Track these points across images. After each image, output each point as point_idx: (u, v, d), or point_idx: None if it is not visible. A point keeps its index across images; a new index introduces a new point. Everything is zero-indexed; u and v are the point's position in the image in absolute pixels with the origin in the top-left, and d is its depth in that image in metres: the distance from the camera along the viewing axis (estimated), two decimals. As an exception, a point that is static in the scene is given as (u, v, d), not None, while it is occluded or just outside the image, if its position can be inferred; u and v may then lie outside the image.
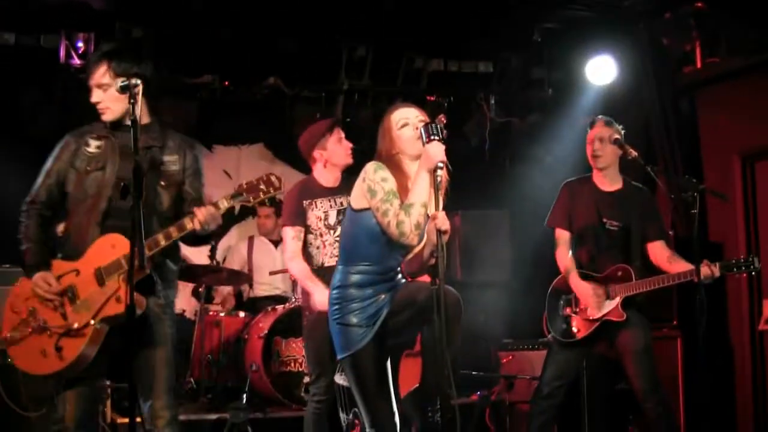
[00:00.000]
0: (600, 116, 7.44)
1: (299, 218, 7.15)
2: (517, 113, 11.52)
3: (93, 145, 5.49)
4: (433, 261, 5.06)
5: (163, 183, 5.47)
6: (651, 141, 10.09)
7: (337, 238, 6.93)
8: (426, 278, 5.28)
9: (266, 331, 9.12)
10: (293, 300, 9.63)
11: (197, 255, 10.94)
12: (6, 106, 9.64)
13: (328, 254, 7.07)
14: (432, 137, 5.12)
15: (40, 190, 5.51)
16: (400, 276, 5.47)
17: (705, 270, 6.68)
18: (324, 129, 7.29)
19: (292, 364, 9.22)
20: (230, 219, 11.88)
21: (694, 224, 6.71)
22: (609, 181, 7.36)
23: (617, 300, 7.05)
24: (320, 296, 6.69)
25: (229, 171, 11.53)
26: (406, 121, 5.41)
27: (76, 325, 5.22)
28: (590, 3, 9.59)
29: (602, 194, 7.33)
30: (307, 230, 7.13)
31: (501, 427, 9.18)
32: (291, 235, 7.16)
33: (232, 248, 11.39)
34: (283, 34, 9.90)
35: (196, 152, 5.71)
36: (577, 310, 7.25)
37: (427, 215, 5.13)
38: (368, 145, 6.22)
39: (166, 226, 5.33)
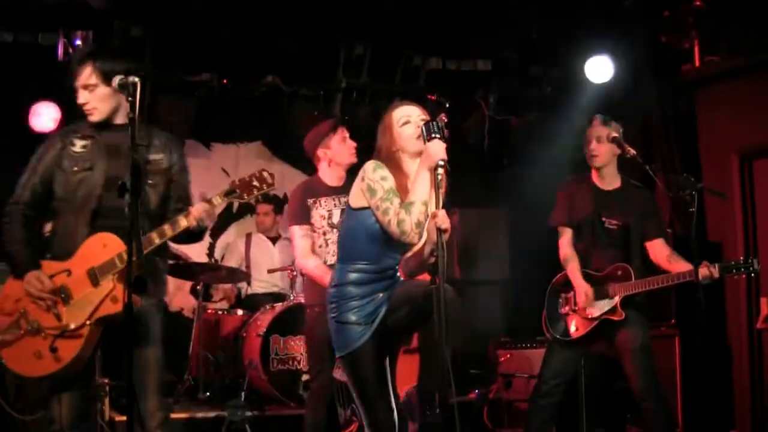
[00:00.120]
0: (597, 115, 7.43)
1: (305, 217, 7.18)
2: (515, 112, 11.51)
3: (78, 145, 5.48)
4: (432, 259, 5.06)
5: (150, 181, 5.46)
6: (649, 139, 10.10)
7: (340, 237, 6.95)
8: (425, 277, 5.28)
9: (264, 329, 9.14)
10: (291, 297, 9.64)
11: (196, 253, 10.95)
12: (4, 105, 9.63)
13: (331, 252, 7.08)
14: (433, 135, 5.13)
15: (24, 191, 5.49)
16: (398, 274, 5.47)
17: (704, 271, 6.67)
18: (328, 128, 7.35)
19: (291, 362, 9.23)
20: (228, 216, 11.90)
21: (693, 223, 6.70)
22: (608, 180, 7.35)
23: (616, 299, 7.05)
24: None
25: (227, 169, 11.53)
26: (407, 119, 5.40)
27: (72, 326, 5.21)
28: (589, 1, 9.59)
29: (601, 193, 7.33)
30: (311, 228, 7.14)
31: (499, 426, 9.18)
32: (300, 233, 7.19)
33: (231, 246, 11.39)
34: (281, 32, 9.89)
35: (181, 149, 5.71)
36: (576, 308, 7.24)
37: (428, 213, 5.13)
38: (366, 144, 6.23)
39: (155, 225, 5.33)
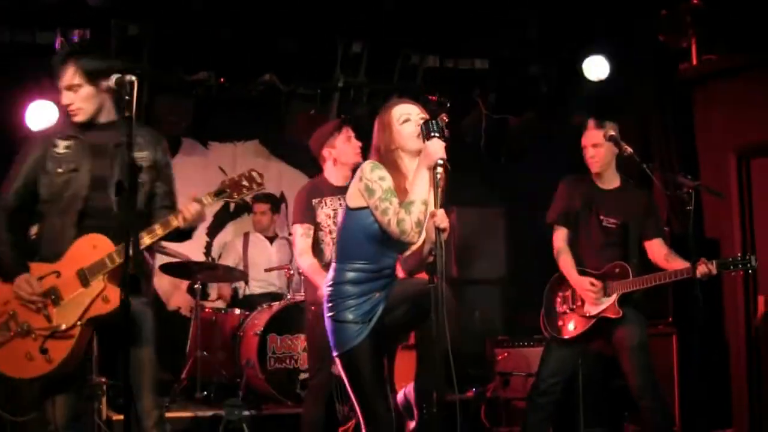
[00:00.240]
0: (591, 119, 7.41)
1: (308, 216, 7.21)
2: (513, 110, 11.50)
3: (62, 146, 5.44)
4: (431, 258, 5.06)
5: (137, 180, 5.40)
6: (647, 138, 10.10)
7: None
8: (424, 275, 5.28)
9: (262, 328, 9.15)
10: (288, 297, 9.65)
11: (193, 252, 10.95)
12: (1, 104, 9.61)
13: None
14: (432, 134, 5.13)
15: (8, 194, 5.46)
16: (395, 273, 5.47)
17: (702, 268, 6.68)
18: (333, 128, 7.41)
19: (288, 361, 9.24)
20: (226, 215, 11.90)
21: (690, 221, 6.70)
22: (607, 180, 7.36)
23: (614, 297, 7.05)
24: None
25: (224, 168, 11.51)
26: (407, 117, 5.39)
27: (63, 327, 5.21)
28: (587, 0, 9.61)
29: (600, 192, 7.34)
30: (317, 228, 7.18)
31: (496, 424, 9.18)
32: (300, 232, 7.22)
33: (228, 245, 11.39)
34: (279, 31, 9.89)
35: (165, 145, 5.68)
36: (574, 307, 7.25)
37: (427, 213, 5.13)
38: (364, 142, 6.23)
39: (142, 222, 5.32)
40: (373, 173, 5.24)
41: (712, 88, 9.72)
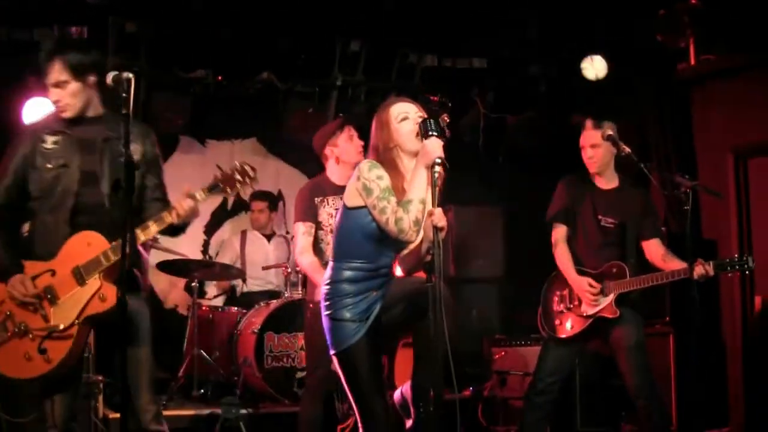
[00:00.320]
0: (588, 119, 7.41)
1: (310, 214, 7.21)
2: (511, 109, 11.50)
3: (50, 141, 5.42)
4: (429, 257, 5.05)
5: None
6: (645, 138, 10.10)
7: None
8: (422, 274, 5.28)
9: (259, 326, 9.14)
10: (286, 295, 9.65)
11: (190, 249, 10.94)
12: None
13: None
14: (430, 133, 5.12)
15: None
16: (392, 272, 5.46)
17: (699, 269, 6.68)
18: (335, 126, 7.43)
19: (285, 359, 9.23)
20: (223, 213, 11.89)
21: (687, 221, 6.71)
22: (606, 180, 7.36)
23: (611, 297, 7.05)
24: None
25: (222, 166, 11.46)
26: (405, 115, 5.38)
27: (61, 326, 5.19)
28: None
29: (599, 191, 7.34)
30: (318, 226, 7.20)
31: (494, 423, 9.18)
32: (302, 230, 7.22)
33: (225, 243, 11.38)
34: (277, 29, 9.88)
35: (153, 137, 5.64)
36: (572, 306, 7.25)
37: (425, 211, 5.12)
38: (366, 141, 6.23)
39: (135, 217, 5.30)
40: (371, 172, 5.24)
41: (710, 88, 9.73)
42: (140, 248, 5.54)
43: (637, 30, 9.80)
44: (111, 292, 5.15)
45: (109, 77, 5.03)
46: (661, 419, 7.10)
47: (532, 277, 7.99)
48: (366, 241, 5.30)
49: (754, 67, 9.23)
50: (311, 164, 9.78)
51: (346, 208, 5.39)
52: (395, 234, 5.14)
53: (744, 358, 9.20)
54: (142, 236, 5.26)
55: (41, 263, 5.32)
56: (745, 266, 6.79)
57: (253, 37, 9.95)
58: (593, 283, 7.13)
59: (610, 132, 7.18)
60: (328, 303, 5.35)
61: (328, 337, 5.37)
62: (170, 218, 5.23)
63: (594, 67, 10.04)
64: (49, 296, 5.24)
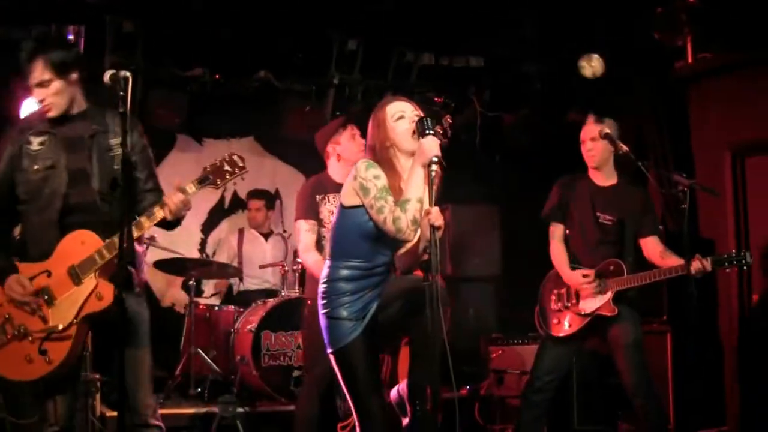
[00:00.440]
0: (590, 114, 7.42)
1: (312, 212, 7.23)
2: (507, 108, 11.50)
3: (36, 143, 5.39)
4: (426, 256, 5.05)
5: (117, 167, 5.31)
6: (642, 136, 10.10)
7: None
8: (419, 272, 5.28)
9: (256, 325, 9.13)
10: (283, 293, 9.65)
11: (187, 248, 10.95)
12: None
13: None
14: (427, 132, 5.12)
15: None
16: (389, 271, 5.46)
17: (696, 264, 6.68)
18: (338, 125, 7.44)
19: (282, 358, 9.22)
20: (220, 212, 11.91)
21: (685, 219, 6.71)
22: (604, 177, 7.35)
23: (609, 294, 7.05)
24: None
25: (220, 158, 11.50)
26: (402, 114, 5.38)
27: (60, 327, 5.18)
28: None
29: (597, 189, 7.34)
30: (320, 224, 7.18)
31: (491, 422, 9.18)
32: (305, 228, 7.23)
33: (222, 241, 11.40)
34: (274, 27, 9.87)
35: (139, 128, 5.55)
36: (569, 304, 7.25)
37: (422, 210, 5.12)
38: (363, 139, 6.23)
39: (130, 212, 5.28)
40: (368, 172, 5.24)
41: (707, 86, 9.73)
42: (135, 244, 5.52)
43: (634, 28, 9.79)
44: (107, 290, 5.14)
45: (107, 76, 5.00)
46: (658, 418, 7.11)
47: (530, 276, 7.99)
48: (362, 240, 5.31)
49: (751, 65, 9.23)
50: (308, 163, 9.79)
51: (342, 207, 5.39)
52: (393, 233, 5.14)
53: (741, 356, 9.19)
54: (135, 232, 5.23)
55: (36, 264, 5.31)
56: (743, 261, 6.78)
57: (251, 36, 9.94)
58: (586, 272, 7.14)
59: (607, 130, 7.18)
60: (325, 301, 5.36)
61: (324, 335, 5.37)
62: (162, 213, 5.21)
63: (591, 66, 10.03)
64: (45, 297, 5.23)
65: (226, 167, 5.38)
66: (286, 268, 9.92)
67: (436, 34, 10.43)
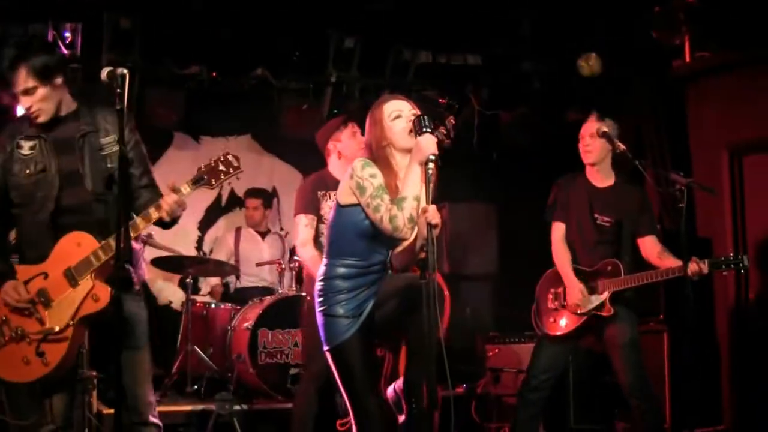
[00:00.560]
0: (593, 111, 7.41)
1: (313, 207, 7.27)
2: (505, 106, 11.50)
3: (26, 147, 5.36)
4: (423, 255, 5.05)
5: (109, 165, 5.32)
6: (640, 135, 10.10)
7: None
8: (416, 270, 5.28)
9: (253, 323, 9.13)
10: (280, 291, 9.65)
11: (184, 246, 10.94)
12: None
13: None
14: (424, 130, 5.12)
15: None
16: (386, 269, 5.47)
17: (693, 267, 6.68)
18: (339, 122, 7.46)
19: (279, 356, 9.22)
20: (218, 210, 11.90)
21: (682, 218, 6.71)
22: (602, 177, 7.35)
23: (606, 294, 7.05)
24: None
25: (215, 158, 11.49)
26: (399, 113, 5.38)
27: (57, 329, 5.17)
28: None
29: (595, 189, 7.33)
30: (320, 220, 7.21)
31: (487, 420, 9.18)
32: (304, 222, 7.27)
33: (219, 239, 11.40)
34: (271, 25, 9.87)
35: (132, 123, 5.47)
36: (566, 303, 7.25)
37: (419, 209, 5.12)
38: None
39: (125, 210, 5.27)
40: (364, 171, 5.25)
41: (704, 85, 9.73)
42: (131, 242, 5.51)
43: (632, 27, 9.79)
44: (104, 292, 5.14)
45: (104, 73, 4.98)
46: (654, 418, 7.11)
47: (526, 275, 8.00)
48: (359, 239, 5.31)
49: (749, 63, 9.23)
50: (306, 161, 9.79)
51: (339, 206, 5.40)
52: (390, 232, 5.14)
53: (738, 356, 9.20)
54: (131, 233, 5.23)
55: (33, 267, 5.30)
56: (740, 265, 6.79)
57: (248, 34, 9.94)
58: (585, 292, 7.14)
59: (605, 129, 7.17)
60: (321, 299, 5.36)
61: (321, 333, 5.38)
62: (156, 214, 5.19)
63: (589, 65, 10.03)
64: (42, 299, 5.22)
65: (221, 167, 5.35)
66: (283, 266, 9.92)
67: (434, 32, 10.43)
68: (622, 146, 7.15)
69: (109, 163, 5.33)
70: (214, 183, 5.34)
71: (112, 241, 5.00)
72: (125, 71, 4.95)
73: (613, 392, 7.79)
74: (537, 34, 10.32)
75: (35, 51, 5.26)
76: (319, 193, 7.26)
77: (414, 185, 5.14)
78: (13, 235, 5.55)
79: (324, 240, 7.04)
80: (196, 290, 10.70)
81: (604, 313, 7.05)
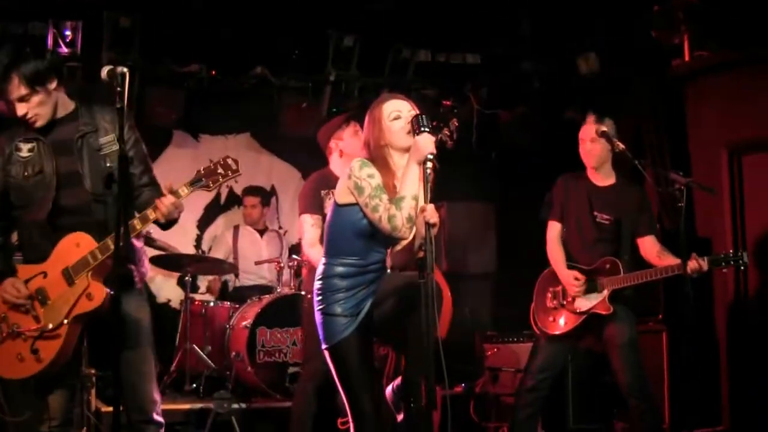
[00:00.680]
0: (590, 114, 7.40)
1: (317, 206, 7.26)
2: (504, 105, 11.50)
3: (25, 149, 5.35)
4: (421, 254, 5.05)
5: (109, 165, 5.31)
6: (639, 134, 10.09)
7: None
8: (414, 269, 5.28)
9: (251, 321, 9.14)
10: (278, 290, 9.66)
11: (183, 244, 10.94)
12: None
13: None
14: (422, 129, 5.12)
15: None
16: (384, 268, 5.47)
17: (693, 264, 6.68)
18: (341, 121, 7.46)
19: (277, 354, 9.22)
20: (216, 208, 11.90)
21: (681, 218, 6.71)
22: (603, 177, 7.36)
23: (605, 293, 7.05)
24: None
25: (215, 161, 11.48)
26: (398, 114, 5.37)
27: (50, 326, 5.19)
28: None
29: (596, 188, 7.34)
30: (323, 218, 7.20)
31: (486, 420, 9.18)
32: (310, 222, 7.27)
33: (218, 238, 11.40)
34: (271, 24, 9.87)
35: (131, 123, 5.44)
36: (564, 302, 7.25)
37: (417, 208, 5.12)
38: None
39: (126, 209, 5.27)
40: (362, 171, 5.25)
41: (703, 84, 9.71)
42: (133, 241, 5.50)
43: (632, 27, 9.79)
44: (98, 291, 5.15)
45: (104, 72, 4.97)
46: (653, 418, 7.12)
47: (525, 274, 7.99)
48: (357, 238, 5.32)
49: (748, 62, 9.22)
50: (304, 159, 9.80)
51: (337, 206, 5.41)
52: (388, 231, 5.14)
53: (737, 356, 9.19)
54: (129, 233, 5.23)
55: (34, 266, 5.32)
56: (740, 261, 6.79)
57: (247, 32, 9.95)
58: (579, 275, 7.14)
59: (604, 128, 7.17)
60: (320, 298, 5.37)
61: (319, 331, 5.39)
62: (154, 215, 5.18)
63: (587, 64, 10.04)
64: (40, 297, 5.25)
65: (220, 170, 5.36)
66: (282, 265, 9.92)
67: (434, 32, 10.43)
68: (622, 145, 7.16)
69: (108, 162, 5.33)
70: (212, 186, 5.34)
71: (109, 241, 5.01)
72: (125, 70, 4.96)
73: (612, 392, 7.78)
74: (537, 33, 10.33)
75: (26, 58, 5.21)
76: (322, 192, 7.26)
77: (412, 185, 5.14)
78: (15, 236, 5.56)
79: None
80: (194, 288, 10.69)
81: (602, 312, 7.05)
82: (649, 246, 7.21)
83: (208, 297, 10.87)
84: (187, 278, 9.88)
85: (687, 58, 9.67)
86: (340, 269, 5.34)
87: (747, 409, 8.96)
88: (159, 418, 5.51)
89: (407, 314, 5.19)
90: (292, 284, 9.74)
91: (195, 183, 5.28)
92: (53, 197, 5.28)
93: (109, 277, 5.08)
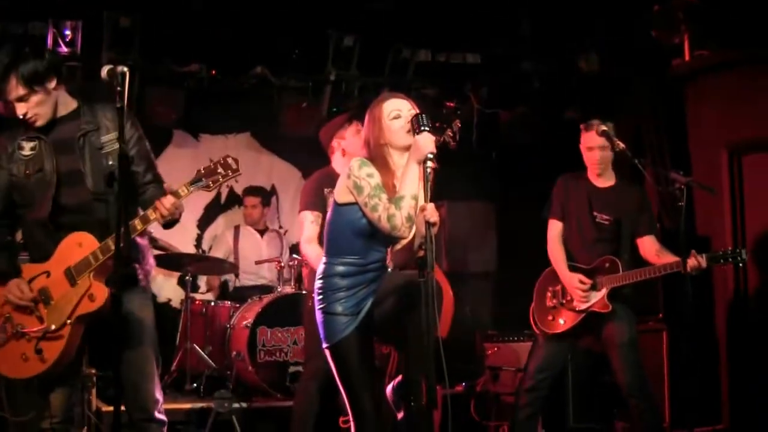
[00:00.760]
0: (595, 121, 7.36)
1: (318, 204, 7.24)
2: (505, 105, 11.50)
3: (27, 148, 5.36)
4: (421, 253, 5.05)
5: (111, 163, 5.30)
6: (639, 134, 10.10)
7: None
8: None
9: (252, 321, 9.14)
10: (279, 289, 9.66)
11: (183, 244, 10.95)
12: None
13: None
14: (422, 128, 5.12)
15: None
16: (385, 267, 5.47)
17: (692, 261, 6.69)
18: (343, 120, 7.46)
19: (278, 354, 9.23)
20: (216, 208, 11.90)
21: (681, 218, 6.72)
22: (603, 178, 7.37)
23: (603, 291, 7.06)
24: None
25: (215, 160, 11.49)
26: (398, 113, 5.38)
27: (53, 327, 5.20)
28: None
29: (596, 189, 7.35)
30: (325, 216, 7.19)
31: (486, 419, 9.18)
32: (310, 219, 7.25)
33: (218, 237, 11.40)
34: (271, 24, 9.87)
35: (133, 118, 5.46)
36: (564, 301, 7.26)
37: (417, 207, 5.13)
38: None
39: (131, 207, 5.28)
40: (361, 170, 5.26)
41: (703, 84, 9.72)
42: (136, 239, 5.50)
43: (632, 27, 9.80)
44: (100, 292, 5.15)
45: (104, 71, 4.96)
46: (653, 417, 7.13)
47: (525, 273, 8.00)
48: (356, 237, 5.32)
49: (748, 62, 9.22)
50: (305, 159, 9.79)
51: (336, 205, 5.42)
52: (388, 231, 5.15)
53: (737, 354, 9.20)
54: (130, 233, 5.22)
55: (38, 265, 5.34)
56: (739, 259, 6.80)
57: (247, 32, 9.95)
58: (584, 279, 7.15)
59: (604, 128, 7.17)
60: (320, 297, 5.38)
61: (320, 330, 5.39)
62: (154, 216, 5.18)
63: (587, 63, 10.05)
64: (43, 297, 5.26)
65: (220, 169, 5.34)
66: (282, 264, 9.92)
67: (434, 31, 10.43)
68: (622, 145, 7.16)
69: (110, 161, 5.32)
70: (212, 185, 5.32)
71: (111, 242, 5.01)
72: (125, 69, 4.95)
73: (612, 392, 7.78)
74: (537, 33, 10.33)
75: (25, 58, 5.20)
76: (325, 190, 7.23)
77: (412, 184, 5.15)
78: (19, 235, 5.57)
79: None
80: (195, 288, 10.70)
81: (601, 310, 7.06)
82: (648, 246, 7.22)
83: (208, 296, 10.88)
84: (187, 278, 9.89)
85: (687, 57, 9.68)
86: (340, 268, 5.34)
87: (747, 407, 8.97)
88: (161, 417, 5.53)
89: (407, 313, 5.20)
90: (292, 284, 9.74)
91: (195, 183, 5.27)
92: (54, 195, 5.28)
93: (111, 278, 5.08)
